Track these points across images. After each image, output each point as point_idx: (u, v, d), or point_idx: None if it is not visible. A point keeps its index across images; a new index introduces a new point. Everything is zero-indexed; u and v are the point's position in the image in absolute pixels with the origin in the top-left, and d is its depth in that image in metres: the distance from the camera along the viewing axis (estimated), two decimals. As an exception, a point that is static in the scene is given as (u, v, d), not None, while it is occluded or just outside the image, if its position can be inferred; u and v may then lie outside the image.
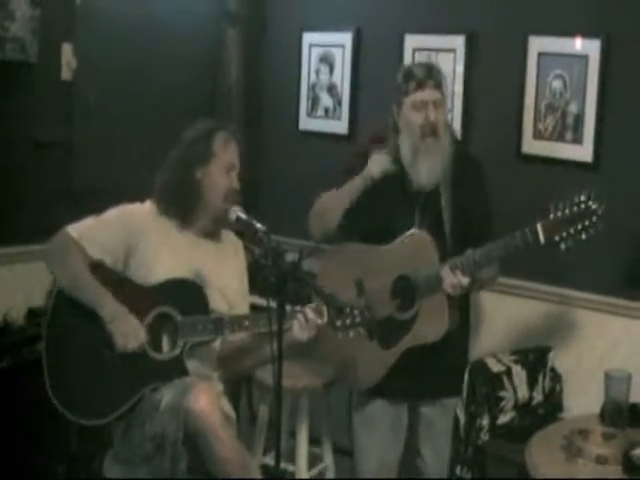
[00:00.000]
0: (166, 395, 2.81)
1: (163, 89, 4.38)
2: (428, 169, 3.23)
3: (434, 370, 3.30)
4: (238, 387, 4.31)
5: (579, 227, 3.02)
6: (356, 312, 2.88)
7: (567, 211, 3.04)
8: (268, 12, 4.65)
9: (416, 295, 3.22)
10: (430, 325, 3.21)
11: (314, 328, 2.90)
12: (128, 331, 2.88)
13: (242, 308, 3.12)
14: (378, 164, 3.29)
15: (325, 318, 2.91)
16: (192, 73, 4.51)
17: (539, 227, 3.06)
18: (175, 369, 2.90)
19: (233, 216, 2.95)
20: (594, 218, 3.03)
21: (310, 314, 2.91)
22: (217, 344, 3.06)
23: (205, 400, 2.74)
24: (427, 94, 3.20)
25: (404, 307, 3.26)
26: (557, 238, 3.04)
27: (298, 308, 2.93)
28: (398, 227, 3.27)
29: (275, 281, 2.65)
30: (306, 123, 4.58)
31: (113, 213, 3.03)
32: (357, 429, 3.49)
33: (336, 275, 3.33)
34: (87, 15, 4.09)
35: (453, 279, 3.12)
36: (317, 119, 4.53)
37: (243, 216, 2.94)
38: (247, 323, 2.92)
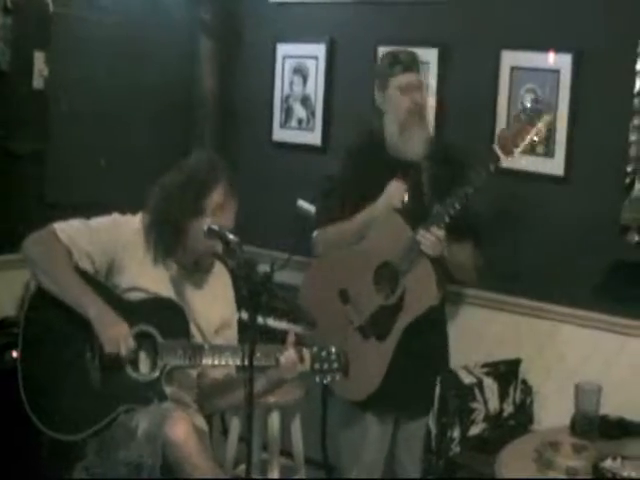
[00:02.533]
0: (142, 422, 2.76)
1: (137, 99, 4.38)
2: (415, 142, 3.36)
3: (420, 384, 3.37)
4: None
5: (532, 133, 3.14)
6: (333, 357, 2.89)
7: (517, 124, 3.16)
8: (242, 23, 4.64)
9: (399, 274, 3.27)
10: (420, 294, 3.27)
11: (298, 368, 2.89)
12: (118, 336, 2.80)
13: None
14: (399, 194, 3.32)
15: (307, 362, 2.89)
16: (167, 83, 4.49)
17: (496, 148, 3.19)
18: (153, 391, 2.84)
19: (205, 228, 2.90)
20: (543, 120, 3.16)
21: (293, 354, 2.88)
22: (195, 372, 3.02)
23: (182, 429, 2.72)
24: (412, 77, 3.37)
25: (390, 293, 3.30)
26: (515, 153, 3.17)
27: (278, 350, 2.89)
28: None
29: (247, 293, 2.63)
30: (279, 134, 4.57)
31: (103, 222, 2.96)
32: (346, 442, 3.52)
33: (321, 286, 3.39)
34: (60, 23, 4.07)
35: (431, 237, 3.19)
36: (291, 130, 4.53)
37: (215, 227, 2.89)
38: (227, 353, 2.87)
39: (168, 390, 2.88)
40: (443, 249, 3.25)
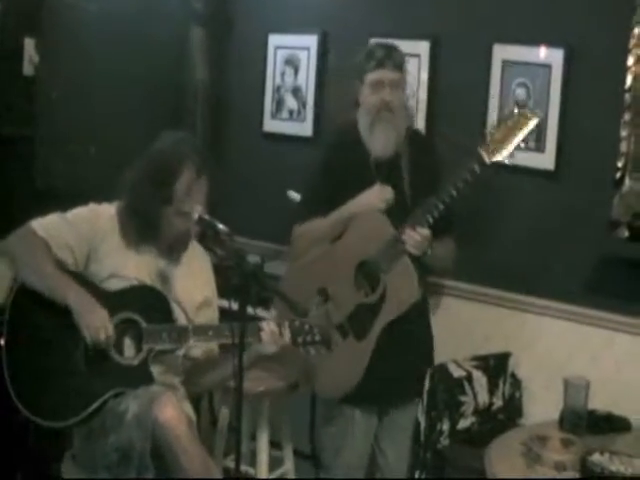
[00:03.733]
0: (132, 406, 2.77)
1: (128, 88, 4.35)
2: (383, 140, 3.33)
3: (402, 374, 3.34)
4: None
5: (519, 136, 3.13)
6: (315, 330, 2.91)
7: (501, 126, 3.15)
8: (234, 13, 4.62)
9: (380, 273, 3.26)
10: (401, 293, 3.26)
11: (279, 341, 2.91)
12: (97, 322, 2.81)
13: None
14: (383, 197, 3.31)
15: (288, 334, 2.92)
16: (158, 72, 4.48)
17: (481, 151, 3.16)
18: (140, 375, 2.86)
19: (195, 216, 2.90)
20: (530, 123, 3.13)
21: (274, 327, 2.90)
22: (181, 352, 3.03)
23: (171, 411, 2.74)
24: (385, 74, 3.31)
25: (371, 290, 3.29)
26: (500, 156, 3.15)
27: (260, 321, 2.92)
28: None
29: (237, 283, 2.65)
30: (270, 125, 4.56)
31: (80, 213, 2.98)
32: (329, 438, 3.51)
33: (300, 283, 3.37)
34: (51, 10, 4.06)
35: (415, 236, 3.19)
36: (281, 121, 4.51)
37: (206, 217, 2.89)
38: (211, 333, 2.90)
39: (155, 372, 2.90)
40: (428, 247, 3.25)
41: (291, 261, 3.54)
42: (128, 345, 2.91)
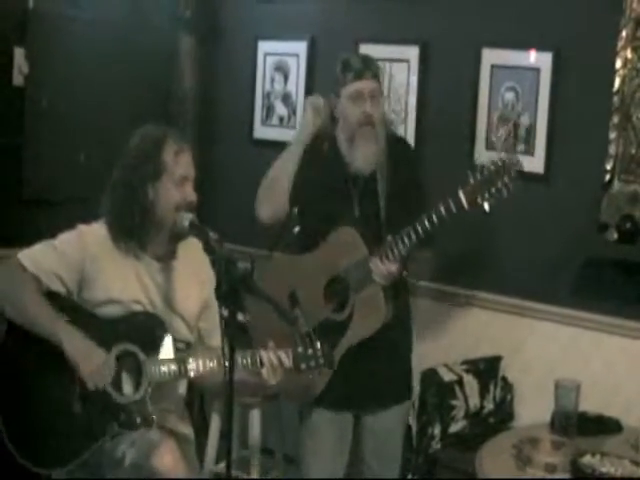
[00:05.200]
0: (129, 453, 2.73)
1: (117, 96, 4.34)
2: (364, 155, 3.24)
3: (378, 379, 3.28)
4: (190, 394, 4.28)
5: (499, 185, 3.02)
6: (319, 353, 2.85)
7: (485, 172, 3.04)
8: (223, 19, 4.63)
9: (349, 293, 3.21)
10: (367, 318, 3.19)
11: (280, 374, 2.83)
12: (97, 367, 2.71)
13: (209, 336, 3.00)
14: (314, 106, 3.28)
15: (290, 361, 2.84)
16: (146, 79, 4.48)
17: (461, 193, 3.05)
18: (138, 414, 2.76)
19: (186, 223, 2.83)
20: (512, 172, 3.03)
21: (274, 358, 2.82)
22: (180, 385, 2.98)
23: (171, 460, 2.71)
24: (364, 84, 3.22)
25: (339, 308, 3.24)
26: (479, 200, 3.04)
27: (261, 352, 2.84)
28: (337, 215, 3.26)
29: (227, 290, 2.59)
30: (260, 132, 4.56)
31: (67, 239, 2.87)
32: (303, 440, 3.45)
33: (273, 284, 3.26)
34: (40, 20, 4.06)
35: (382, 268, 3.12)
36: (272, 128, 4.51)
37: (196, 223, 2.85)
38: (212, 364, 2.81)
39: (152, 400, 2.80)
40: (398, 277, 3.19)
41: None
42: (126, 380, 2.80)
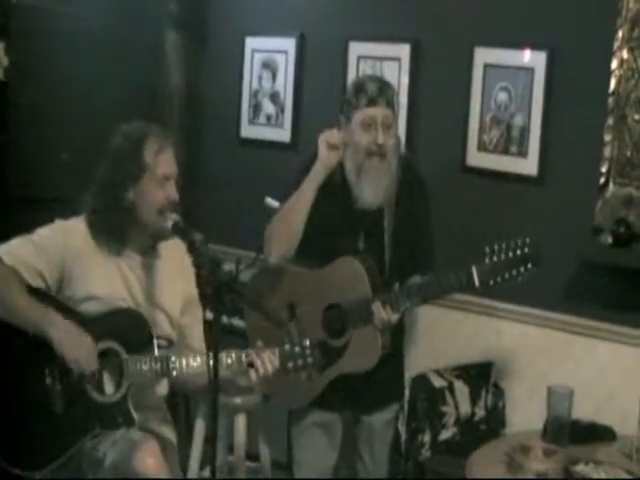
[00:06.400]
0: (110, 453, 2.73)
1: (101, 91, 4.32)
2: (372, 189, 3.17)
3: (371, 381, 3.27)
4: (174, 397, 4.28)
5: (514, 273, 3.04)
6: (308, 351, 2.85)
7: (503, 256, 3.04)
8: (210, 15, 4.61)
9: (347, 324, 3.20)
10: (362, 354, 3.19)
11: (269, 371, 2.84)
12: (83, 351, 2.72)
13: (191, 334, 3.02)
14: (330, 143, 3.14)
15: (277, 361, 2.84)
16: (132, 76, 4.45)
17: (474, 270, 3.06)
18: (119, 414, 2.77)
19: (170, 224, 2.84)
20: (530, 265, 3.04)
21: (267, 359, 2.82)
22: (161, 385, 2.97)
23: (153, 461, 2.71)
24: (377, 111, 3.13)
25: (335, 334, 3.22)
26: (491, 282, 3.06)
27: (251, 352, 2.84)
28: (341, 248, 3.22)
29: (212, 292, 2.60)
30: (247, 131, 4.55)
31: (47, 234, 2.86)
32: (294, 439, 3.46)
33: (266, 296, 3.28)
34: (21, 14, 4.05)
35: (383, 315, 3.12)
36: (259, 126, 4.50)
37: (180, 224, 2.85)
38: (195, 364, 2.82)
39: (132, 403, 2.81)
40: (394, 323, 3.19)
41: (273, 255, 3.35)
42: (107, 380, 2.81)
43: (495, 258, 3.05)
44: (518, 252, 3.04)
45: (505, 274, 3.04)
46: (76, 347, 2.72)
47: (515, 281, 3.06)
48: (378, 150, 3.14)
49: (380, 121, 3.13)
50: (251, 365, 2.83)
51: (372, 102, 3.13)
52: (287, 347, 2.86)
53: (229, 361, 2.80)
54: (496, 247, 3.05)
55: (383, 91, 3.16)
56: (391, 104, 3.18)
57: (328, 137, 3.16)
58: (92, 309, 2.84)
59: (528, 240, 3.05)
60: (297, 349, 2.86)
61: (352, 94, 3.18)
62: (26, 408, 2.78)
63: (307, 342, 2.87)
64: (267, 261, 3.31)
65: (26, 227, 2.95)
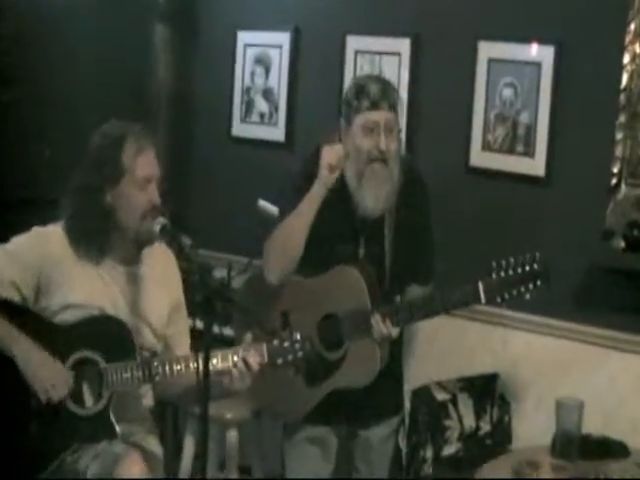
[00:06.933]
0: (92, 466, 2.72)
1: (86, 86, 4.32)
2: (373, 196, 3.17)
3: (368, 393, 3.26)
4: (163, 413, 4.25)
5: (522, 290, 3.06)
6: (297, 346, 2.83)
7: (511, 272, 3.06)
8: (200, 8, 4.60)
9: (344, 336, 3.19)
10: (359, 369, 3.19)
11: (255, 373, 2.82)
12: (51, 377, 2.70)
13: (177, 344, 3.00)
14: (332, 161, 3.13)
15: (265, 357, 2.82)
16: (119, 71, 4.45)
17: (480, 286, 3.08)
18: (100, 426, 2.76)
19: (157, 227, 2.83)
20: (539, 282, 3.06)
21: (252, 358, 2.80)
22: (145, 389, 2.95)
23: (137, 468, 2.69)
24: (380, 115, 3.12)
25: (331, 346, 3.21)
26: (498, 299, 3.08)
27: (235, 353, 2.82)
28: (340, 255, 3.22)
29: (202, 300, 2.57)
30: (240, 129, 4.54)
31: (22, 242, 2.85)
32: (287, 454, 3.45)
33: (257, 304, 3.29)
34: (6, 7, 4.06)
35: (383, 329, 3.11)
36: (252, 125, 4.49)
37: (169, 227, 2.83)
38: (179, 367, 2.81)
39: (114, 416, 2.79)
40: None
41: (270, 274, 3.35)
42: (86, 391, 2.80)
43: (503, 273, 3.07)
44: (527, 268, 3.05)
45: (513, 291, 3.06)
46: (43, 375, 2.71)
47: (522, 298, 3.08)
48: (380, 156, 3.13)
49: (383, 125, 3.13)
50: (236, 365, 2.81)
51: (374, 105, 3.12)
52: (276, 342, 2.85)
53: (214, 360, 2.77)
54: (504, 262, 3.07)
55: (386, 93, 3.15)
56: (394, 107, 3.17)
57: (331, 159, 3.14)
58: (69, 318, 2.82)
59: (538, 255, 3.07)
60: (286, 344, 2.84)
61: (353, 96, 3.16)
62: (1, 426, 2.75)
63: (297, 336, 2.85)
64: (262, 273, 3.29)
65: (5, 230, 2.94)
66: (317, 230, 3.19)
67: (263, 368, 2.83)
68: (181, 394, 2.96)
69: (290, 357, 2.83)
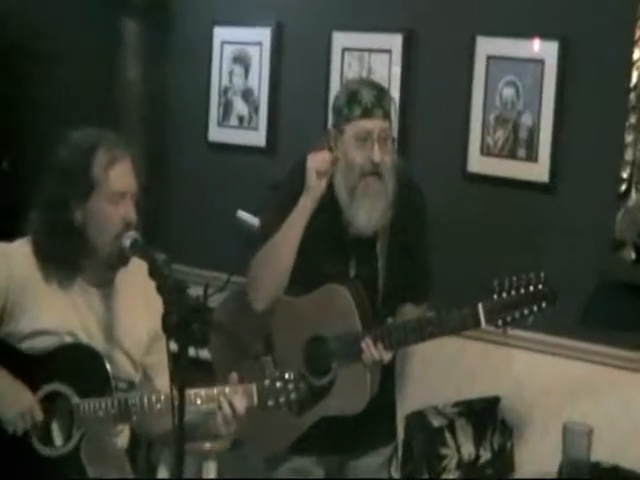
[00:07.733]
0: None
1: (50, 89, 4.29)
2: (367, 213, 3.11)
3: (358, 420, 3.19)
4: (135, 442, 4.18)
5: (525, 312, 3.02)
6: (291, 386, 2.72)
7: (513, 293, 3.01)
8: (174, 2, 4.57)
9: (333, 360, 3.14)
10: (348, 396, 3.14)
11: (241, 418, 2.72)
12: (18, 409, 2.63)
13: (156, 374, 2.89)
14: (319, 170, 3.07)
15: (255, 400, 2.72)
16: (85, 71, 4.41)
17: (480, 309, 3.03)
18: (69, 469, 2.67)
19: (127, 242, 2.72)
20: (544, 304, 3.02)
21: (239, 402, 2.70)
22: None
23: None
24: (374, 124, 3.05)
25: (318, 371, 3.15)
26: (499, 322, 3.03)
27: (221, 393, 2.72)
28: (329, 273, 3.17)
29: (177, 321, 2.47)
30: (217, 134, 4.51)
31: None
32: None
33: (237, 325, 3.24)
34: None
35: (374, 353, 3.06)
36: (230, 129, 4.46)
37: (140, 241, 2.72)
38: (159, 406, 2.70)
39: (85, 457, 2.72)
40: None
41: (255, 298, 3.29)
42: (55, 429, 2.72)
43: (505, 294, 3.02)
44: (531, 289, 3.01)
45: (515, 313, 3.01)
46: (10, 403, 2.64)
47: (526, 322, 3.03)
48: (374, 169, 3.07)
49: (376, 135, 3.06)
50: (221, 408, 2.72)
51: (367, 113, 3.05)
52: (267, 382, 2.74)
53: (198, 401, 2.68)
54: (506, 281, 3.01)
55: (380, 100, 3.09)
56: (388, 115, 3.11)
57: (318, 165, 3.09)
58: (38, 346, 2.73)
59: (542, 276, 3.01)
60: (278, 384, 2.74)
61: (343, 103, 3.10)
62: None
63: (290, 375, 2.74)
64: (243, 291, 3.23)
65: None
66: (305, 246, 3.15)
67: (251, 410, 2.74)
68: (161, 435, 2.86)
69: (282, 400, 2.74)
